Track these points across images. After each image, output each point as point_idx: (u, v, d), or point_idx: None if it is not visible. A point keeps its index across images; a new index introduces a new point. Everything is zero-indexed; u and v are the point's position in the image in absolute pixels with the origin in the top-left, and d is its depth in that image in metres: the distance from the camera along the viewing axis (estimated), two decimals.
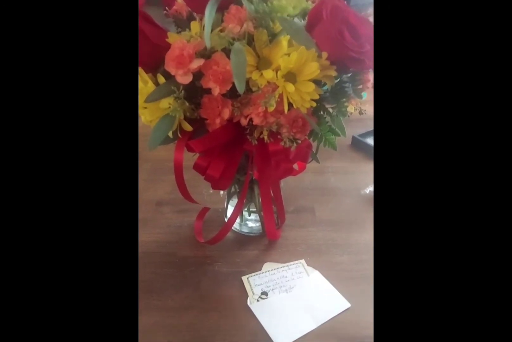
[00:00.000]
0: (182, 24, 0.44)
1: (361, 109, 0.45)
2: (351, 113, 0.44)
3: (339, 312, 0.47)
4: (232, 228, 0.59)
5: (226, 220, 0.61)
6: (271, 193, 0.54)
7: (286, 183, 0.61)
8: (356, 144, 0.79)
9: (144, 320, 0.47)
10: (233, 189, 0.58)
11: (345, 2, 0.40)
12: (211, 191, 0.65)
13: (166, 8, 0.45)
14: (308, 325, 0.45)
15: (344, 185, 0.70)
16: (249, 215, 0.59)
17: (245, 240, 0.58)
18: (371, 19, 0.57)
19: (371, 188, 0.68)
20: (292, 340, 0.44)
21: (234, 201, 0.58)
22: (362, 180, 0.70)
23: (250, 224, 0.60)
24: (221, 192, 0.65)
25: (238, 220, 0.59)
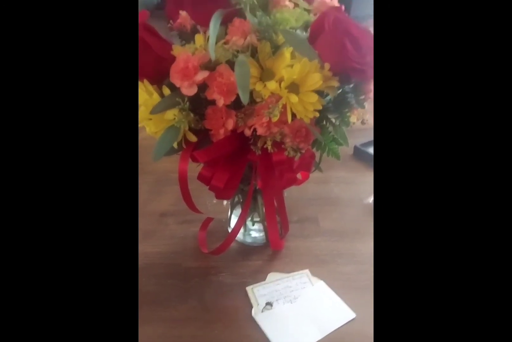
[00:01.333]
0: (186, 37, 0.45)
1: (363, 119, 0.45)
2: (354, 123, 0.45)
3: (344, 323, 0.46)
4: (236, 238, 0.59)
5: (229, 230, 0.61)
6: (275, 203, 0.54)
7: (290, 193, 0.61)
8: (358, 153, 0.80)
9: (149, 331, 0.46)
10: (236, 199, 0.58)
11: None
12: (214, 201, 0.65)
13: (170, 21, 0.46)
14: (314, 336, 0.45)
15: (347, 195, 0.70)
16: (253, 225, 0.59)
17: (249, 250, 0.58)
18: (371, 30, 0.58)
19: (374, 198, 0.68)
20: None
21: (237, 211, 0.58)
22: (365, 189, 0.70)
23: (254, 234, 0.60)
24: (224, 202, 0.65)
25: (241, 230, 0.59)
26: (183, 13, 0.44)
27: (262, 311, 0.48)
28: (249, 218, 0.58)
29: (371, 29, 0.41)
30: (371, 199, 0.68)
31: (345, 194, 0.70)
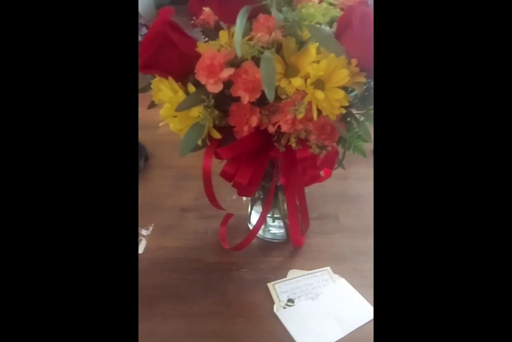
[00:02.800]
0: (210, 34, 0.45)
1: None
2: None
3: (367, 321, 0.46)
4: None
5: (250, 226, 0.61)
6: (296, 199, 0.54)
7: (309, 190, 0.61)
8: None
9: (170, 326, 0.47)
10: (257, 195, 0.58)
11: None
12: (234, 197, 0.65)
13: (193, 17, 0.46)
14: (336, 334, 0.45)
15: (367, 191, 0.69)
16: (273, 222, 0.59)
17: (269, 246, 0.58)
18: None
19: None
20: None
21: (257, 208, 0.59)
22: None
23: (274, 230, 0.60)
24: (244, 198, 0.66)
25: (262, 226, 0.59)
26: (206, 9, 0.44)
27: (284, 308, 0.48)
28: (270, 215, 0.58)
29: None
30: None
31: (365, 190, 0.69)
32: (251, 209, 0.60)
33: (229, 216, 0.60)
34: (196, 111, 0.39)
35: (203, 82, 0.38)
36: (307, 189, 0.58)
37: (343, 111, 0.38)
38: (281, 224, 0.58)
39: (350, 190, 0.70)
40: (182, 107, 0.38)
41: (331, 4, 0.42)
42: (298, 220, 0.54)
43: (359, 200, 0.67)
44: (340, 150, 0.48)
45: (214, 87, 0.37)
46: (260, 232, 0.60)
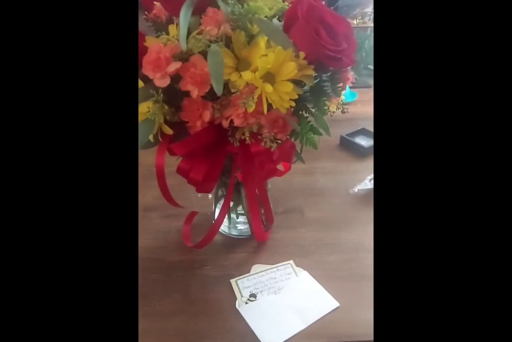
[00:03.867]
0: (161, 28, 0.44)
1: (343, 108, 0.45)
2: (334, 112, 0.44)
3: (328, 312, 0.47)
4: (221, 231, 0.59)
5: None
6: (257, 194, 0.54)
7: (275, 185, 0.61)
8: (344, 143, 0.80)
9: None
10: (220, 193, 0.58)
11: (323, 2, 0.41)
12: (199, 195, 0.65)
13: (146, 12, 0.45)
14: (297, 326, 0.45)
15: (333, 185, 0.70)
16: (237, 218, 0.59)
17: (233, 243, 0.58)
18: (358, 20, 0.57)
19: (359, 187, 0.68)
20: (281, 341, 0.43)
21: (221, 205, 0.58)
22: (351, 179, 0.70)
23: (240, 226, 0.60)
24: (209, 195, 0.65)
25: (227, 223, 0.59)
26: (157, 4, 0.44)
27: (246, 303, 0.48)
28: (234, 211, 0.58)
29: (371, 17, 0.40)
30: (356, 188, 0.68)
31: (331, 184, 0.70)
32: (215, 206, 0.60)
33: (193, 214, 0.60)
34: (145, 107, 0.38)
35: (150, 77, 0.37)
36: (272, 184, 0.58)
37: (293, 104, 0.38)
38: (247, 220, 0.58)
39: (316, 184, 0.70)
40: None
41: None
42: (259, 215, 0.54)
43: (325, 194, 0.68)
44: (299, 144, 0.48)
45: (161, 81, 0.37)
46: (226, 229, 0.60)
